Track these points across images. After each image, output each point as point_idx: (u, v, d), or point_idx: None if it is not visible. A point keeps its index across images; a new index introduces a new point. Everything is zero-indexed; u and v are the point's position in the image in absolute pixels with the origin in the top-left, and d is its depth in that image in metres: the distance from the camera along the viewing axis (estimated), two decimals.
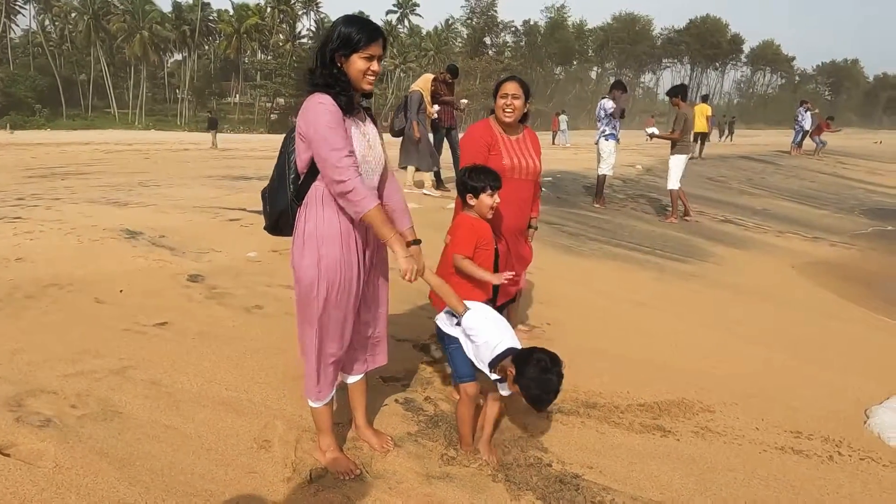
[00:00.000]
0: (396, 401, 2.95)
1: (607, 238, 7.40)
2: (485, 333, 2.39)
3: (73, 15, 64.38)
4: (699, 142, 17.50)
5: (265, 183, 2.34)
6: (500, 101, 3.03)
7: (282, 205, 2.23)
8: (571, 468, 2.58)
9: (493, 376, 2.37)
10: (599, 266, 6.15)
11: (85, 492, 2.08)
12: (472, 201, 2.72)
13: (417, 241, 2.44)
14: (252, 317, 3.74)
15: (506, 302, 3.49)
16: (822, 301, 6.02)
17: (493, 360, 2.34)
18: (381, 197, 2.39)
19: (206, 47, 71.96)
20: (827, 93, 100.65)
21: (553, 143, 25.32)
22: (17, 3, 63.18)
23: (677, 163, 8.73)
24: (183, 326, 3.50)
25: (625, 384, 3.44)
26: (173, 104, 66.28)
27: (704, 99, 19.56)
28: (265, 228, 2.34)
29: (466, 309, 2.46)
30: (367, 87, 2.19)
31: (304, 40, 69.24)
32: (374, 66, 2.15)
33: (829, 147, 21.39)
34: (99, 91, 63.82)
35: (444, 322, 2.61)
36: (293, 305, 2.32)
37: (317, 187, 2.16)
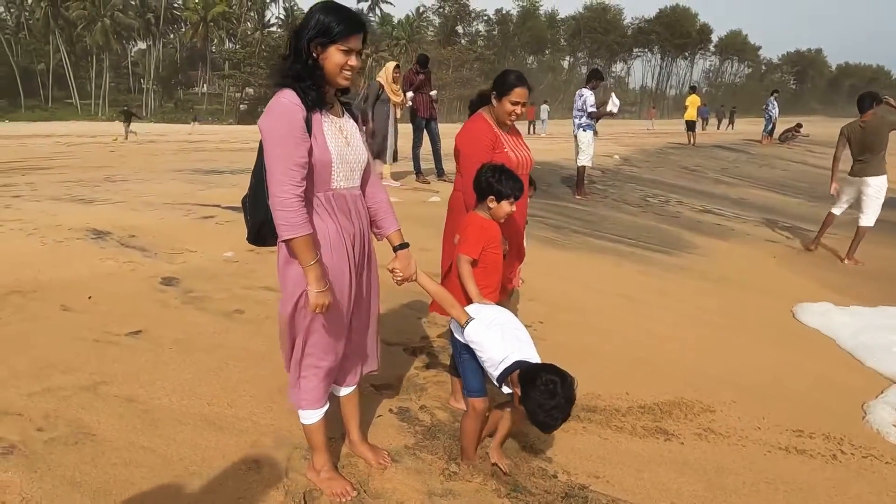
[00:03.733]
0: (390, 410, 2.80)
1: (591, 230, 7.33)
2: (488, 349, 2.23)
3: (29, 1, 61.69)
4: (692, 130, 18.15)
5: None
6: (510, 108, 2.88)
7: (263, 213, 2.05)
8: (577, 479, 2.47)
9: (505, 389, 2.23)
10: (585, 259, 6.07)
11: None
12: (492, 204, 2.56)
13: (405, 245, 2.29)
14: (233, 322, 3.54)
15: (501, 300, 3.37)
16: (804, 291, 6.03)
17: (501, 374, 2.19)
18: (364, 197, 2.23)
19: (171, 36, 69.85)
20: (792, 81, 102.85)
21: (529, 133, 25.28)
22: None
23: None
24: (158, 335, 3.28)
25: (622, 384, 3.35)
26: (138, 94, 64.25)
27: (693, 90, 19.82)
28: (248, 240, 2.16)
29: (469, 319, 2.31)
30: (343, 82, 1.99)
31: (274, 29, 67.76)
32: (353, 60, 1.96)
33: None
34: (59, 81, 61.36)
35: (456, 329, 2.45)
36: (275, 309, 2.14)
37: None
